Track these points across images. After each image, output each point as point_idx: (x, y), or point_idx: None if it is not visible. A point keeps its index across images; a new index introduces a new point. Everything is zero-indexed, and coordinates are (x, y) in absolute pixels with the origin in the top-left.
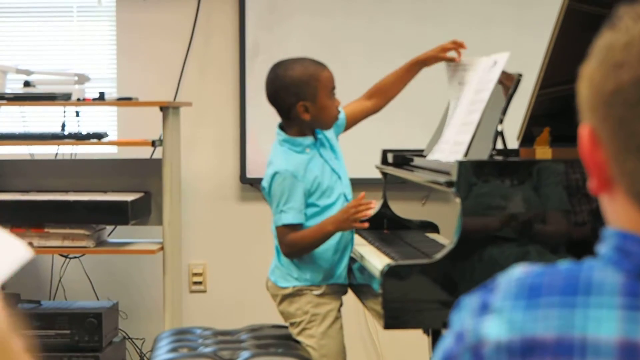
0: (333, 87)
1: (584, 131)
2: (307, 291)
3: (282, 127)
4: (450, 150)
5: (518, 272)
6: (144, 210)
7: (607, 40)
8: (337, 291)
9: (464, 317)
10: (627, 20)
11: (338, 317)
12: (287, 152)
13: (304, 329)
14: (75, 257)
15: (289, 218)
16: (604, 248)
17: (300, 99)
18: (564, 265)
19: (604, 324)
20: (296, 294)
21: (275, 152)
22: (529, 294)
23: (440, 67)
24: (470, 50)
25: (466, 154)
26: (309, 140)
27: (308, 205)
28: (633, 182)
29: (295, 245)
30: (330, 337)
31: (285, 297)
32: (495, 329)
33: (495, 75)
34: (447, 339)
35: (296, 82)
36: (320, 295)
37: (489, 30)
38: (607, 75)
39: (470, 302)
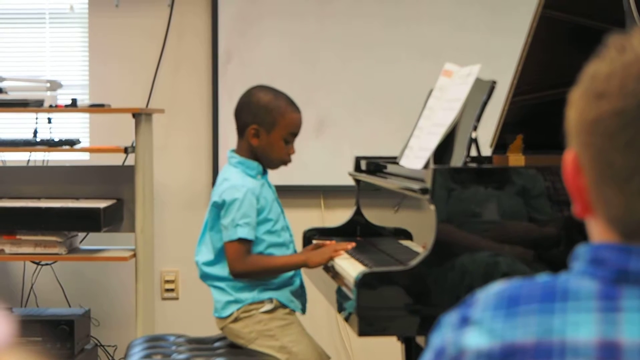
0: (295, 133)
1: (569, 156)
2: (254, 310)
3: (233, 151)
4: (414, 155)
5: (496, 287)
6: (116, 217)
7: (593, 69)
8: (292, 301)
9: (444, 332)
10: (612, 51)
11: (293, 322)
12: (242, 174)
13: (262, 339)
14: (47, 264)
15: (245, 232)
16: (577, 265)
17: (256, 122)
18: (541, 278)
19: (582, 327)
20: (241, 317)
21: (230, 171)
22: (507, 304)
23: (415, 73)
24: (445, 54)
25: (435, 161)
26: (260, 167)
27: (257, 241)
28: (609, 209)
29: (257, 265)
30: (300, 343)
31: (232, 322)
32: (475, 339)
33: (468, 84)
34: (426, 356)
35: (260, 105)
36: (271, 311)
37: (463, 34)
38: (589, 104)
39: (449, 319)
